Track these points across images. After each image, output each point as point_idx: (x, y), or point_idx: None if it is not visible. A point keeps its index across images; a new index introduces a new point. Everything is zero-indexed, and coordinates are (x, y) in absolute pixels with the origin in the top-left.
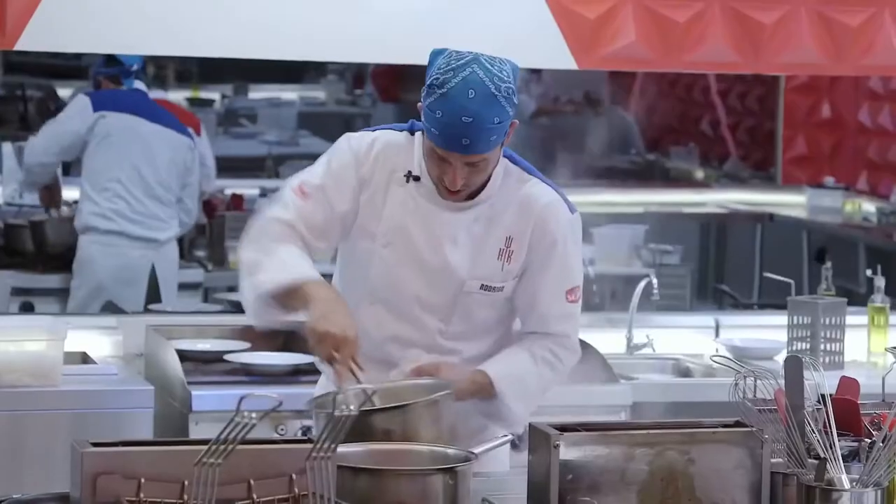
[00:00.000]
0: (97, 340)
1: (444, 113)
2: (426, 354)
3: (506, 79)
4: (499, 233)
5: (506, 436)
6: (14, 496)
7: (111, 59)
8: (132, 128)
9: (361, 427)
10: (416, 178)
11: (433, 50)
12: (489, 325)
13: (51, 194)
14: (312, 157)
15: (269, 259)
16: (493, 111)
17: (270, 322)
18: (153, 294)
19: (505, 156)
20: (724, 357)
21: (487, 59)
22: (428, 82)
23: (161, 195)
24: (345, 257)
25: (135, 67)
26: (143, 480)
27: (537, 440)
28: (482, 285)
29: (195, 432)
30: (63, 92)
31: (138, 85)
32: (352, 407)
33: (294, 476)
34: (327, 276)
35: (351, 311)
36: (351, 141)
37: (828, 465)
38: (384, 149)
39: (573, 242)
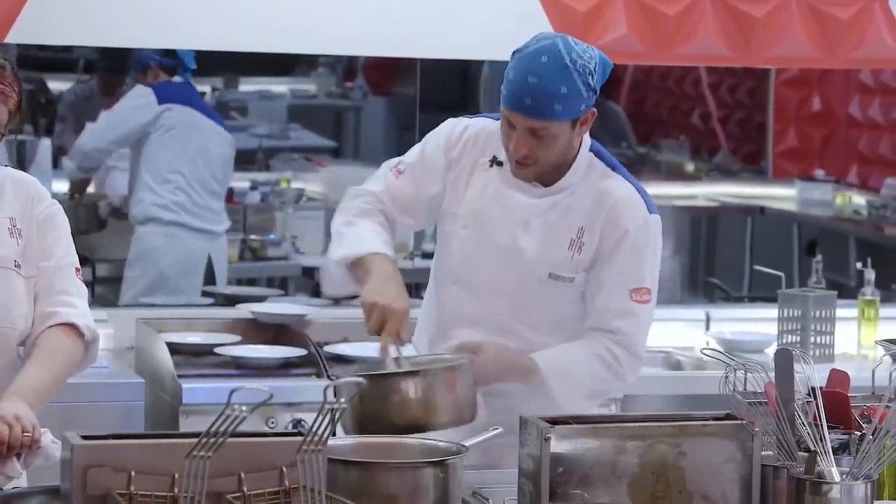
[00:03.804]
0: None
1: (515, 73)
2: (488, 335)
3: (585, 58)
4: (572, 223)
5: (496, 429)
6: (5, 489)
7: (170, 51)
8: (193, 121)
9: (378, 395)
10: (500, 164)
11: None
12: (564, 320)
13: (84, 183)
14: (303, 150)
15: (349, 231)
16: (562, 79)
17: (344, 293)
18: (209, 284)
19: (592, 150)
20: (714, 350)
21: (574, 40)
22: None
23: (215, 189)
24: (438, 237)
25: (193, 67)
26: (133, 473)
27: (528, 433)
28: (550, 273)
29: (185, 425)
30: (53, 85)
31: (188, 79)
32: (342, 400)
33: (284, 469)
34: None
35: (404, 287)
36: (447, 125)
37: (818, 458)
38: (476, 134)
39: (646, 241)
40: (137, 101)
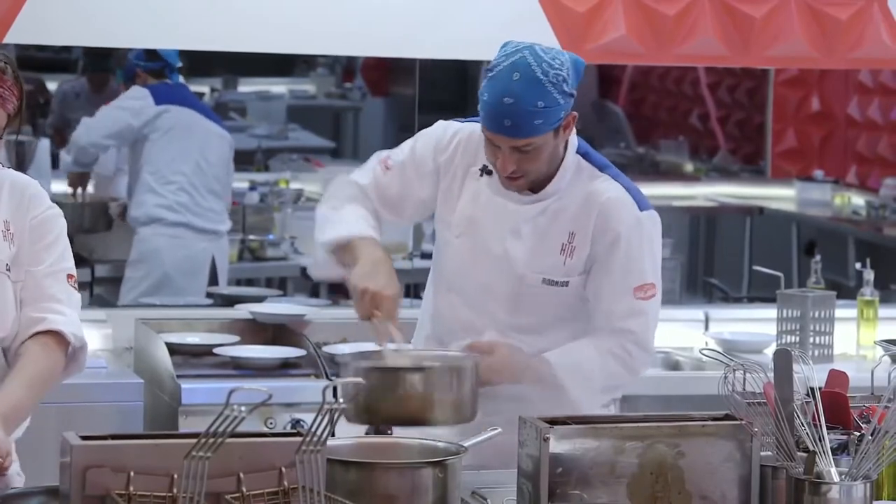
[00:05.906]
0: (87, 333)
1: (490, 94)
2: (497, 336)
3: (556, 66)
4: (563, 227)
5: (495, 429)
6: (3, 490)
7: (152, 54)
8: (193, 122)
9: (381, 387)
10: (489, 172)
11: (502, 44)
12: (560, 322)
13: (81, 177)
14: (302, 151)
15: (336, 215)
16: (537, 94)
17: (331, 277)
18: (213, 285)
19: (579, 152)
20: (713, 350)
21: (542, 48)
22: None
23: (217, 189)
24: (435, 242)
25: (178, 65)
26: (132, 474)
27: (527, 433)
28: (544, 279)
29: (185, 426)
30: (52, 85)
31: (180, 80)
32: (341, 399)
33: (283, 469)
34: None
35: (394, 272)
36: (437, 128)
37: (817, 459)
38: (467, 140)
39: (640, 239)
40: (134, 101)
